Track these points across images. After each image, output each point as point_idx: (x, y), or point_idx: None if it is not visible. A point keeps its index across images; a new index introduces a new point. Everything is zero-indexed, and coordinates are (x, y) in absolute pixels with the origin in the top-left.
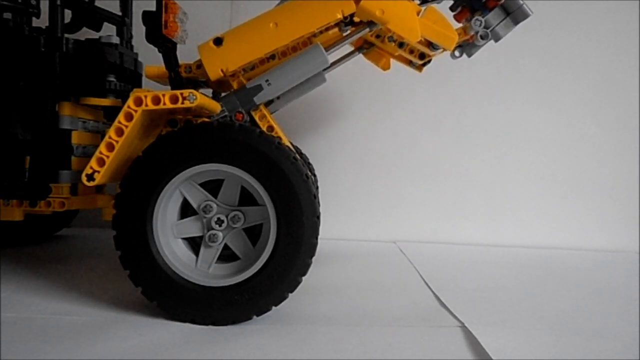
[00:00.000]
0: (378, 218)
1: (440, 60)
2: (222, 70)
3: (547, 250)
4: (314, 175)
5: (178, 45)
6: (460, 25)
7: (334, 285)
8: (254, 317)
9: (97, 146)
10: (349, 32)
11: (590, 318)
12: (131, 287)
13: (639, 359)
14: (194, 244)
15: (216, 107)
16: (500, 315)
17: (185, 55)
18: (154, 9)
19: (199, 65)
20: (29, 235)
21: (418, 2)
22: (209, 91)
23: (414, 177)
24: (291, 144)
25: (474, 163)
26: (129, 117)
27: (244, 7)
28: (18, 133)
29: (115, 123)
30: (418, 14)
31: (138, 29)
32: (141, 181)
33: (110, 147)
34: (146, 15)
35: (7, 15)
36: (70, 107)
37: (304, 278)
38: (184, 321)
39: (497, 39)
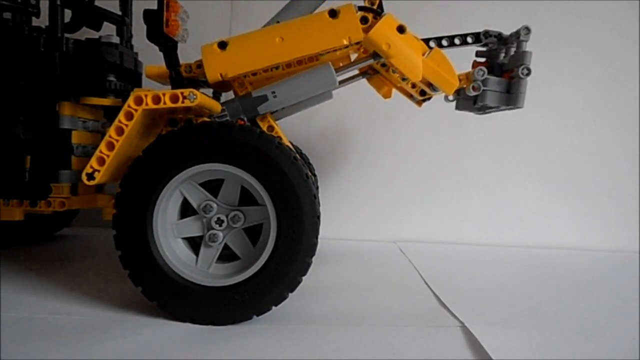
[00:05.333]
0: (378, 218)
1: None
2: (221, 75)
3: (547, 250)
4: (314, 175)
5: (178, 45)
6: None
7: (334, 285)
8: (254, 317)
9: (97, 146)
10: (355, 58)
11: (590, 318)
12: (131, 287)
13: (639, 359)
14: (194, 243)
15: (216, 106)
16: (500, 315)
17: (186, 54)
18: (154, 7)
19: (200, 64)
20: (29, 235)
21: (433, 44)
22: (210, 91)
23: (414, 177)
24: (291, 144)
25: (474, 163)
26: (129, 116)
27: (244, 7)
28: (19, 133)
29: (116, 122)
30: (424, 54)
31: (138, 29)
32: (141, 181)
33: (111, 146)
34: (147, 14)
35: (7, 15)
36: (70, 107)
37: (304, 278)
38: (184, 321)
39: (481, 101)
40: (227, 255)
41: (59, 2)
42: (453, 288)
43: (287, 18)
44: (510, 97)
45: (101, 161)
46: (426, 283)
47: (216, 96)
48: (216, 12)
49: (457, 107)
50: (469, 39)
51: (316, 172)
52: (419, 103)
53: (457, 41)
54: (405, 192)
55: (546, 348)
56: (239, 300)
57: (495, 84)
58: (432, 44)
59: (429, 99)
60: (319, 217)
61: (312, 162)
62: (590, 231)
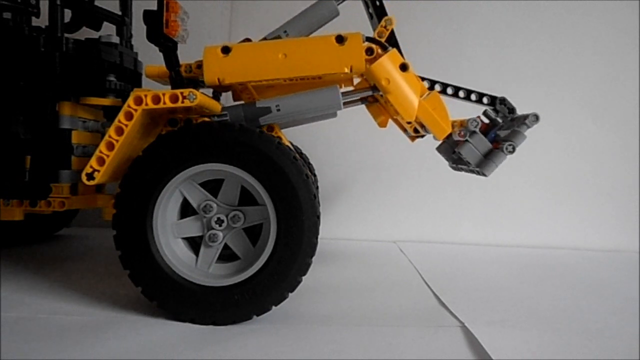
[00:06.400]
0: (378, 218)
1: (439, 57)
2: (218, 79)
3: (547, 250)
4: (314, 175)
5: (178, 45)
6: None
7: (334, 285)
8: (254, 316)
9: (97, 146)
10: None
11: (590, 318)
12: (131, 287)
13: (639, 359)
14: (194, 243)
15: (216, 106)
16: (500, 315)
17: (186, 54)
18: (154, 8)
19: (200, 64)
20: (29, 235)
21: (428, 86)
22: (210, 91)
23: (413, 177)
24: (291, 144)
25: None
26: (129, 116)
27: (244, 7)
28: (19, 133)
29: (116, 122)
30: (422, 95)
31: (138, 29)
32: (141, 181)
33: (110, 146)
34: (147, 14)
35: (7, 15)
36: (70, 107)
37: (304, 278)
38: (184, 321)
39: (459, 149)
40: (227, 255)
41: (59, 2)
42: (453, 288)
43: (295, 29)
44: (483, 161)
45: (101, 161)
46: (426, 283)
47: (216, 96)
48: (216, 12)
49: (438, 148)
50: (485, 100)
51: (316, 172)
52: (412, 138)
53: (473, 97)
54: (405, 192)
55: (546, 348)
56: (239, 300)
57: (479, 142)
58: (449, 90)
59: (422, 136)
60: (318, 217)
61: (312, 162)
62: (590, 231)
